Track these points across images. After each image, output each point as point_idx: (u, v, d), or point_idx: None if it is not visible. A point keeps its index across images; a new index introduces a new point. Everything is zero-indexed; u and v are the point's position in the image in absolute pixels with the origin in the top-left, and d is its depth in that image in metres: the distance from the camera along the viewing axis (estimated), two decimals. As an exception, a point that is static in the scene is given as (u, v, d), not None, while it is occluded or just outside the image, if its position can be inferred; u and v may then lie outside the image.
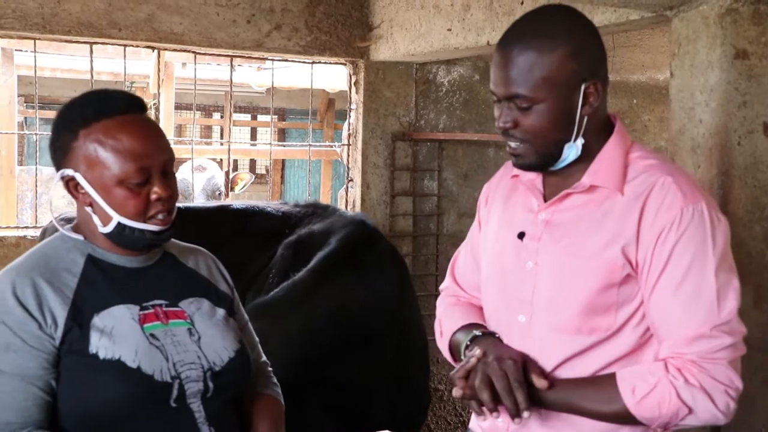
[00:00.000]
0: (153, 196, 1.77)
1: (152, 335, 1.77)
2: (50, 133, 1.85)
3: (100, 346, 1.71)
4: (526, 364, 1.75)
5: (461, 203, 5.38)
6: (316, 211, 3.91)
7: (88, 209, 1.80)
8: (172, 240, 1.98)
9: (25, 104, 9.54)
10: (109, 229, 1.78)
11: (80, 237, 1.84)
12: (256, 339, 2.14)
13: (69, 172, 1.78)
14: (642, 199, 1.72)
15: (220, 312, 1.93)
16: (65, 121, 1.82)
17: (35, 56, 4.81)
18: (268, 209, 3.90)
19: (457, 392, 1.75)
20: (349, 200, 5.19)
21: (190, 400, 1.76)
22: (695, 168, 2.79)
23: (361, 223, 3.65)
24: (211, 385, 1.79)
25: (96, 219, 1.79)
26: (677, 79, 2.97)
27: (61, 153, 1.81)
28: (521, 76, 1.71)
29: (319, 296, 3.14)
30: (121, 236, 1.79)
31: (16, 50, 6.33)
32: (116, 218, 1.76)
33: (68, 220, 4.21)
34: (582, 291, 1.75)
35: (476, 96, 5.39)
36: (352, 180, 5.20)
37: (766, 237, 2.67)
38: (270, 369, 2.15)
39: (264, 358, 2.15)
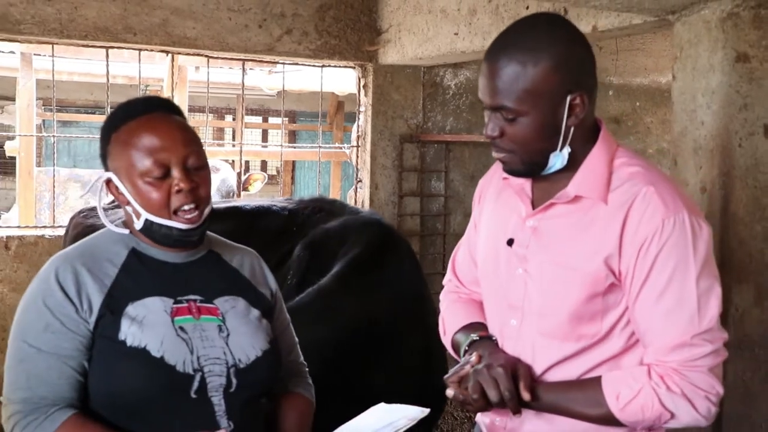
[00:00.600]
0: (175, 188, 1.78)
1: (181, 328, 1.79)
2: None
3: (128, 333, 1.74)
4: (516, 371, 1.76)
5: (468, 203, 5.37)
6: (323, 207, 3.85)
7: (128, 208, 1.84)
8: (220, 238, 2.03)
9: (43, 107, 9.57)
10: (140, 225, 1.82)
11: (126, 231, 1.89)
12: (295, 340, 2.14)
13: (107, 174, 1.83)
14: (624, 209, 1.70)
15: (255, 312, 1.93)
16: (104, 129, 1.87)
17: (53, 60, 4.83)
18: (275, 208, 3.85)
19: (450, 392, 1.78)
20: (358, 201, 5.20)
21: (211, 393, 1.77)
22: (697, 169, 2.79)
23: (377, 223, 3.60)
24: (234, 380, 1.79)
25: (133, 217, 1.83)
26: (679, 82, 2.97)
27: (104, 159, 1.86)
28: (506, 89, 1.69)
29: (344, 303, 3.09)
30: (151, 232, 1.82)
31: (34, 55, 6.35)
32: (144, 214, 1.79)
33: (89, 211, 4.20)
34: (568, 300, 1.75)
35: (482, 99, 5.39)
36: (361, 181, 5.21)
37: (767, 237, 2.67)
38: (307, 370, 2.16)
39: (302, 359, 2.16)
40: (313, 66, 5.15)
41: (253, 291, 1.99)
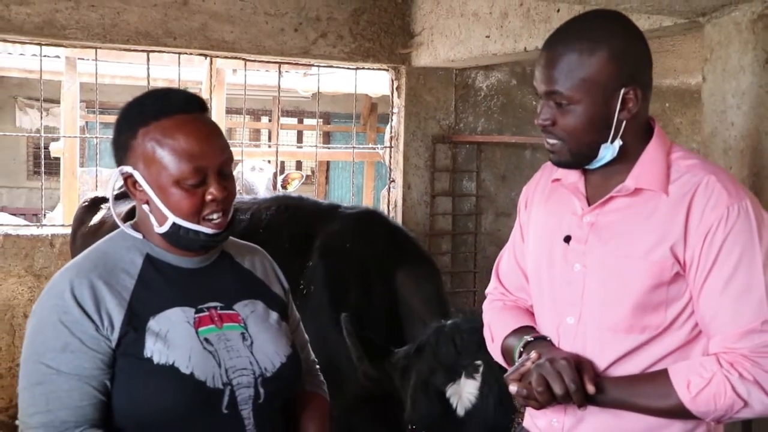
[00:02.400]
0: (208, 197, 1.69)
1: (206, 340, 1.70)
2: (113, 130, 1.79)
3: (154, 350, 1.64)
4: (579, 365, 1.71)
5: (499, 203, 5.36)
6: (288, 204, 3.60)
7: (145, 207, 1.74)
8: (230, 238, 1.89)
9: (86, 109, 9.68)
10: (164, 229, 1.71)
11: (139, 235, 1.77)
12: (306, 338, 2.06)
13: (128, 169, 1.71)
14: (688, 198, 1.69)
15: (274, 315, 1.85)
16: (126, 120, 1.74)
17: (96, 64, 4.90)
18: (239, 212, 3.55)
19: (513, 388, 1.71)
20: (391, 200, 5.21)
21: (241, 406, 1.69)
22: (727, 169, 2.76)
23: (380, 221, 3.50)
24: (261, 391, 1.72)
25: (152, 218, 1.72)
26: (709, 83, 2.94)
27: (122, 151, 1.74)
28: (561, 75, 1.70)
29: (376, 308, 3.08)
30: (176, 236, 1.72)
31: (78, 59, 6.43)
32: (171, 218, 1.69)
33: (98, 200, 4.10)
34: (633, 290, 1.72)
35: (513, 100, 5.37)
36: (393, 181, 5.21)
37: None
38: (318, 367, 2.08)
39: (313, 357, 2.08)
40: (348, 68, 5.16)
41: (268, 292, 1.91)
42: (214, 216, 1.71)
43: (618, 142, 1.75)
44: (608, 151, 1.75)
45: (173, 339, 1.67)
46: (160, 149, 1.68)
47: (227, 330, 1.75)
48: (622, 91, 1.70)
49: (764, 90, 2.74)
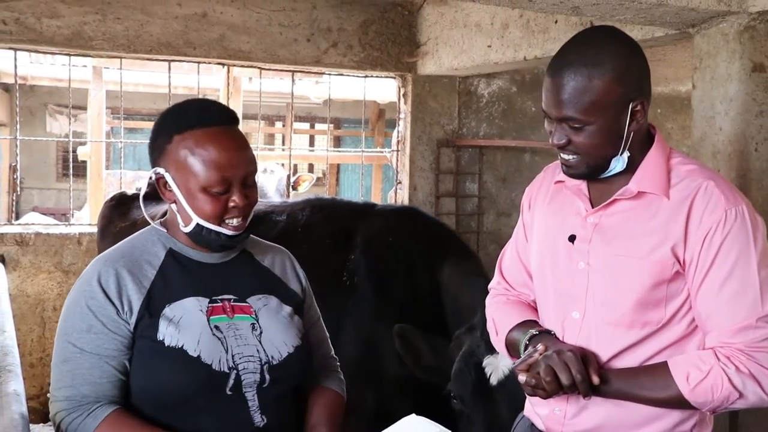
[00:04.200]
0: (231, 204, 1.73)
1: (216, 327, 1.74)
2: (151, 132, 1.82)
3: (166, 333, 1.69)
4: (584, 357, 1.72)
5: (500, 204, 5.36)
6: (322, 205, 3.56)
7: (173, 206, 1.78)
8: (254, 237, 1.94)
9: (111, 115, 9.73)
10: (189, 228, 1.76)
11: (164, 230, 1.82)
12: (326, 334, 2.06)
13: (160, 171, 1.76)
14: (688, 202, 1.69)
15: (287, 309, 1.87)
16: (164, 125, 1.79)
17: (121, 73, 4.92)
18: (272, 215, 3.50)
19: (522, 378, 1.71)
20: (398, 201, 5.22)
21: (245, 389, 1.72)
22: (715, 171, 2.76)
23: (422, 217, 3.47)
24: (267, 376, 1.74)
25: (179, 217, 1.77)
26: (699, 91, 2.94)
27: (157, 153, 1.78)
28: (572, 101, 1.68)
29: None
30: (199, 236, 1.76)
31: (104, 68, 6.46)
32: (195, 219, 1.74)
33: (123, 198, 4.05)
34: (635, 288, 1.72)
35: (514, 106, 5.38)
36: (400, 182, 5.22)
37: (781, 235, 2.64)
38: (338, 364, 2.07)
39: (333, 353, 2.07)
40: (357, 76, 5.17)
41: (284, 288, 1.93)
42: (234, 221, 1.76)
43: (626, 154, 1.74)
44: (618, 163, 1.75)
45: (185, 324, 1.71)
46: (191, 157, 1.72)
47: (238, 320, 1.78)
48: (631, 105, 1.70)
49: (750, 97, 2.74)
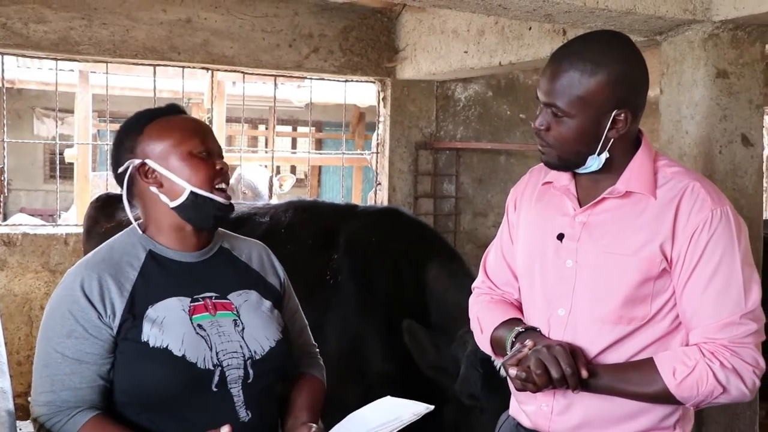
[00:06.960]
0: (217, 167, 1.76)
1: (199, 326, 1.71)
2: (113, 141, 1.82)
3: (150, 335, 1.67)
4: (572, 352, 1.69)
5: (476, 204, 5.38)
6: (305, 206, 3.53)
7: (155, 190, 1.75)
8: (228, 232, 1.94)
9: (98, 118, 9.64)
10: (180, 200, 1.73)
11: (140, 232, 1.80)
12: (305, 323, 2.05)
13: (139, 160, 1.75)
14: (675, 202, 1.70)
15: (267, 303, 1.85)
16: (129, 126, 1.81)
17: (107, 77, 4.89)
18: (256, 217, 3.46)
19: (513, 371, 1.70)
20: (378, 201, 5.22)
21: (231, 385, 1.70)
22: (682, 173, 2.79)
23: (405, 217, 3.44)
24: (251, 372, 1.73)
25: (164, 198, 1.74)
26: (666, 96, 2.97)
27: (128, 147, 1.77)
28: (561, 90, 1.70)
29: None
30: (192, 207, 1.74)
31: (91, 72, 6.42)
32: (188, 188, 1.72)
33: (108, 198, 3.98)
34: (623, 285, 1.72)
35: (489, 110, 5.40)
36: (380, 184, 5.23)
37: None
38: (317, 351, 2.06)
39: (312, 341, 2.06)
40: (338, 81, 5.17)
41: (263, 283, 1.91)
42: (223, 185, 1.77)
43: (605, 155, 1.75)
44: (595, 162, 1.76)
45: (168, 325, 1.69)
46: (172, 131, 1.76)
47: (220, 317, 1.76)
48: (614, 113, 1.70)
49: (715, 102, 2.77)
